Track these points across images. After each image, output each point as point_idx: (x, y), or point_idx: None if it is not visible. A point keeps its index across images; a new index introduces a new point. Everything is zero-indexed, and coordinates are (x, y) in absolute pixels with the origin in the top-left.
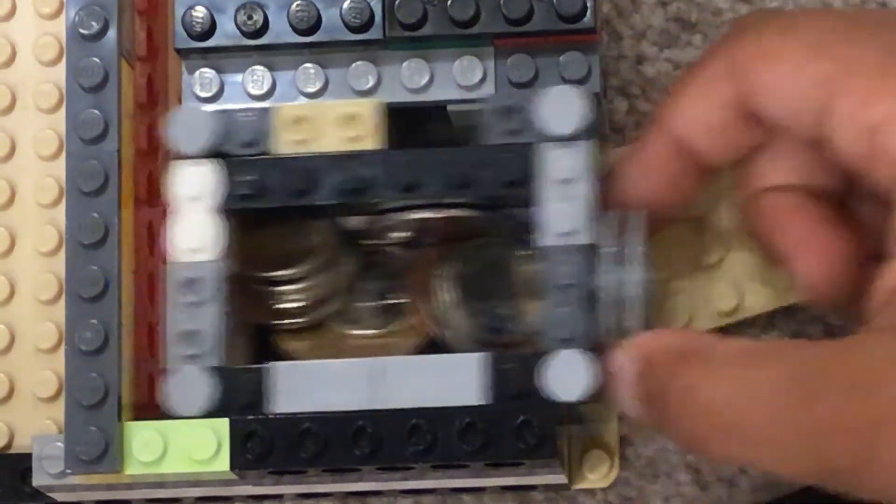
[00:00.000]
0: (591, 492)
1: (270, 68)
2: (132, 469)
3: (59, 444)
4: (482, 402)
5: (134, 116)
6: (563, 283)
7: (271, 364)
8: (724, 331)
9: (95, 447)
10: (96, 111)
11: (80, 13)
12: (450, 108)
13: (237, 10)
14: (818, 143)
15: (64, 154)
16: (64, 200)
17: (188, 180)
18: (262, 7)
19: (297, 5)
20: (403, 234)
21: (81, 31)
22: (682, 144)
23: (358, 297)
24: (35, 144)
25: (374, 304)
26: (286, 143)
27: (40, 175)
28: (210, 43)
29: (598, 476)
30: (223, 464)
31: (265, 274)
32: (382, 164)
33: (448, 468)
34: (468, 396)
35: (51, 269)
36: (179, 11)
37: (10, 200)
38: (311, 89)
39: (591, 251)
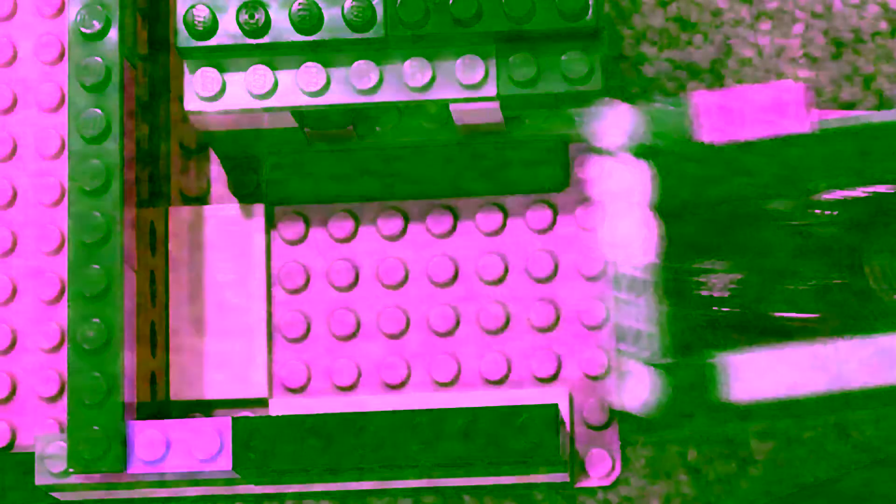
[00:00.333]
0: (591, 491)
1: (272, 67)
2: (134, 468)
3: (62, 443)
4: None
5: (136, 115)
6: None
7: (721, 355)
8: None
9: (98, 446)
10: (98, 110)
11: (82, 12)
12: (452, 107)
13: (239, 10)
14: None
15: (66, 153)
16: (66, 200)
17: (620, 177)
18: (263, 6)
19: (299, 4)
20: (833, 213)
21: (83, 30)
22: None
23: (791, 280)
24: (37, 144)
25: (807, 285)
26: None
27: (42, 174)
28: (212, 42)
29: (600, 474)
30: (225, 463)
31: (695, 265)
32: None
33: (449, 467)
34: None
35: (53, 268)
36: (181, 10)
37: (12, 200)
38: (312, 88)
39: None
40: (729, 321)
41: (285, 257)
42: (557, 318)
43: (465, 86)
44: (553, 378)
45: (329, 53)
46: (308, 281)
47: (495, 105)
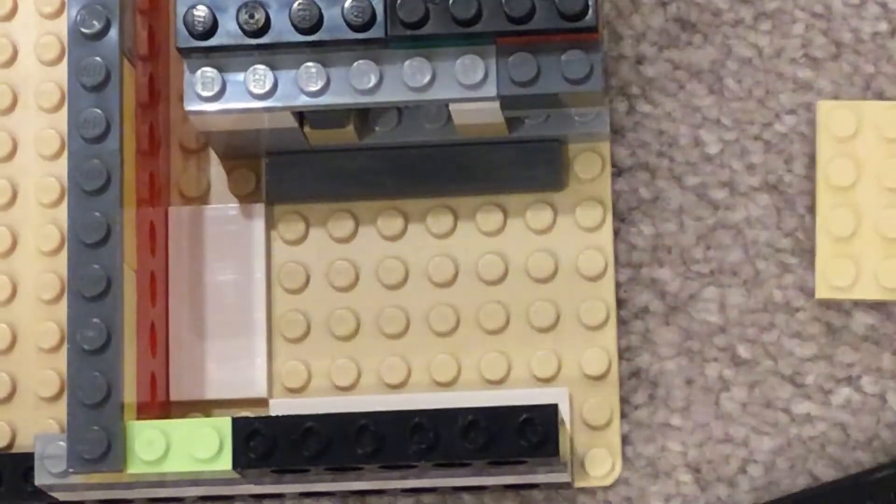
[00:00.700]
0: (591, 491)
1: (272, 67)
2: (134, 468)
3: (62, 443)
4: None
5: (136, 115)
6: None
7: None
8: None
9: (98, 446)
10: (98, 110)
11: (82, 12)
12: (452, 106)
13: (239, 9)
14: None
15: (66, 153)
16: (66, 200)
17: None
18: (263, 6)
19: (299, 4)
20: None
21: (83, 30)
22: None
23: None
24: (37, 144)
25: None
26: None
27: (42, 174)
28: (212, 42)
29: (600, 475)
30: (225, 463)
31: None
32: None
33: (450, 467)
34: None
35: (52, 268)
36: (181, 10)
37: (12, 200)
38: (312, 88)
39: None
40: None
41: (285, 257)
42: (557, 318)
43: (465, 86)
44: (553, 378)
45: (329, 53)
46: (308, 281)
47: (495, 105)
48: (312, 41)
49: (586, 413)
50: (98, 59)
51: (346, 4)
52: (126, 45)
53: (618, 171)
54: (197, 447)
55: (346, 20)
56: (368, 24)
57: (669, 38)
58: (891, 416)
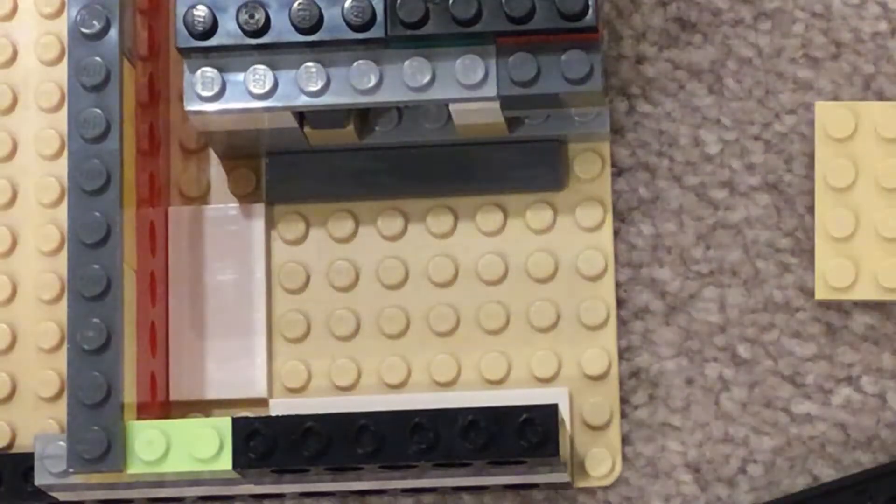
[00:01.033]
0: (591, 491)
1: (272, 67)
2: (134, 468)
3: (61, 443)
4: None
5: (136, 115)
6: None
7: None
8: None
9: (98, 446)
10: (98, 110)
11: (82, 12)
12: (452, 106)
13: (239, 10)
14: None
15: (65, 153)
16: (66, 200)
17: None
18: (263, 6)
19: (299, 4)
20: None
21: (83, 30)
22: None
23: None
24: (37, 144)
25: None
26: None
27: (42, 174)
28: (212, 42)
29: (600, 475)
30: (225, 463)
31: None
32: None
33: (450, 467)
34: None
35: (52, 268)
36: (181, 10)
37: (12, 200)
38: (312, 88)
39: None
40: None
41: (285, 257)
42: (557, 318)
43: (465, 86)
44: (553, 378)
45: (329, 53)
46: (308, 281)
47: (495, 105)
48: (312, 41)
49: (586, 413)
50: (98, 59)
51: (346, 4)
52: (126, 45)
53: (618, 171)
54: (197, 447)
55: (346, 20)
56: (368, 24)
57: (669, 37)
58: (891, 416)
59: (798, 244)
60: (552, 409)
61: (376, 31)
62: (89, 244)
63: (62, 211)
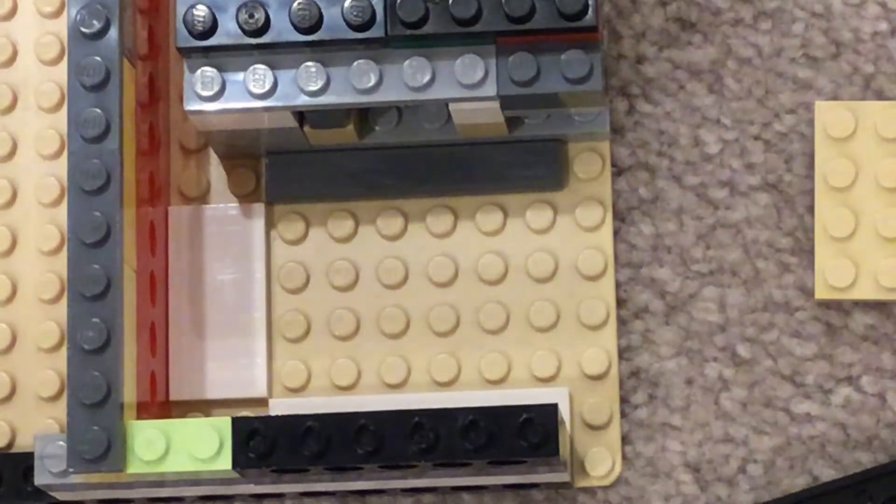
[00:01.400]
0: (591, 491)
1: (272, 67)
2: (134, 468)
3: (61, 442)
4: None
5: (136, 115)
6: None
7: None
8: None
9: (98, 446)
10: (98, 110)
11: (82, 12)
12: (452, 106)
13: (238, 9)
14: None
15: (65, 153)
16: (65, 199)
17: None
18: (263, 6)
19: (299, 4)
20: None
21: (83, 29)
22: None
23: None
24: (36, 143)
25: None
26: None
27: (42, 174)
28: (211, 42)
29: (600, 474)
30: (225, 462)
31: None
32: None
33: (450, 467)
34: None
35: (52, 268)
36: (181, 10)
37: (12, 200)
38: (312, 88)
39: None
40: None
41: (285, 257)
42: (557, 318)
43: (465, 86)
44: (553, 378)
45: (329, 53)
46: (308, 281)
47: (495, 105)
48: (312, 41)
49: (586, 413)
50: (98, 59)
51: (346, 4)
52: (126, 45)
53: (618, 171)
54: (197, 447)
55: (346, 20)
56: (368, 23)
57: (669, 37)
58: (891, 416)
59: (798, 244)
60: (552, 409)
61: (376, 31)
62: (89, 244)
63: (62, 211)
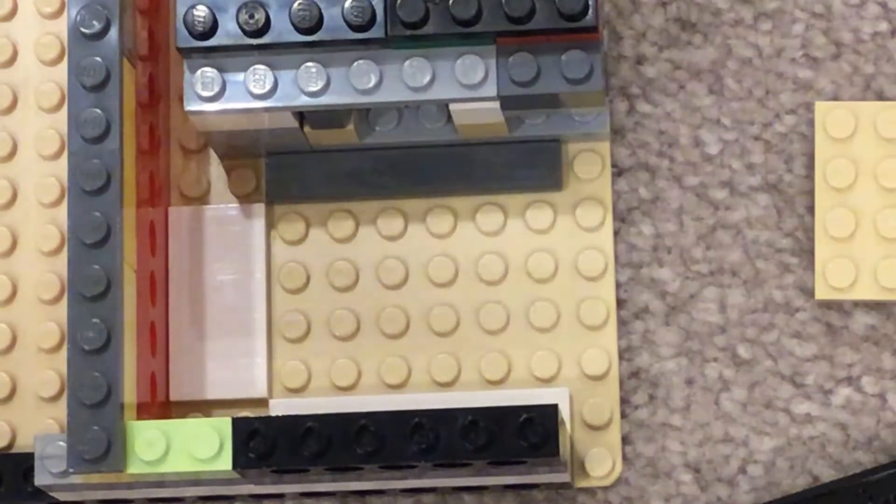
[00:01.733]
0: (591, 491)
1: (272, 67)
2: (135, 468)
3: (61, 443)
4: None
5: (136, 115)
6: None
7: None
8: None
9: (98, 446)
10: (98, 110)
11: (82, 12)
12: (452, 106)
13: (239, 10)
14: None
15: (66, 153)
16: (66, 200)
17: None
18: (263, 6)
19: (299, 4)
20: None
21: (83, 30)
22: None
23: None
24: (37, 144)
25: None
26: None
27: (42, 174)
28: (212, 42)
29: (600, 475)
30: (226, 463)
31: None
32: None
33: (450, 467)
34: None
35: (53, 268)
36: (181, 10)
37: (12, 200)
38: (312, 88)
39: None
40: None
41: (285, 257)
42: (557, 318)
43: (465, 86)
44: (553, 378)
45: (329, 53)
46: (308, 281)
47: (495, 105)
48: (312, 41)
49: (586, 413)
50: (98, 59)
51: (346, 4)
52: (126, 45)
53: (618, 171)
54: (197, 447)
55: (346, 20)
56: (368, 24)
57: (669, 38)
58: (891, 416)
59: (798, 244)
60: (552, 409)
61: (376, 31)
62: (89, 244)
63: (62, 211)
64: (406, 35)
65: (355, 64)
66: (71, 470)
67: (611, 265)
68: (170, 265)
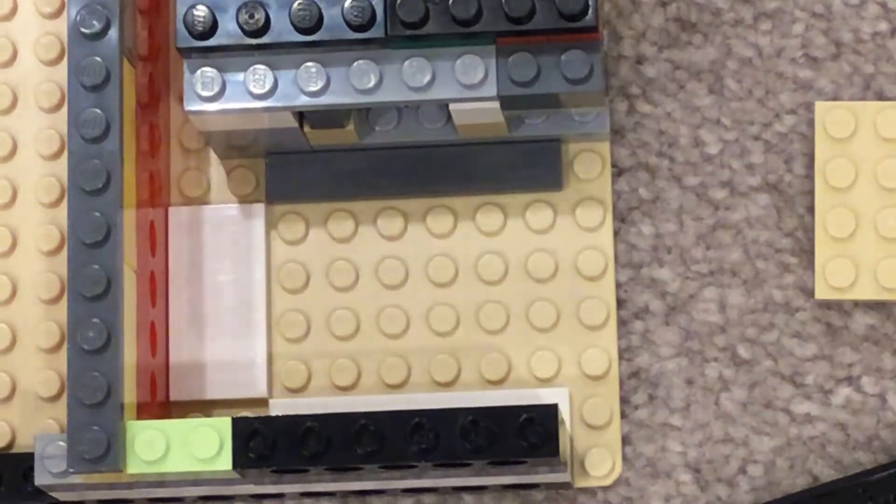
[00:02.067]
0: (591, 491)
1: (272, 67)
2: (134, 468)
3: (61, 443)
4: None
5: (136, 115)
6: None
7: None
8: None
9: (98, 446)
10: (98, 110)
11: (82, 12)
12: (452, 106)
13: (239, 9)
14: None
15: (65, 153)
16: (66, 200)
17: None
18: (263, 6)
19: (299, 4)
20: None
21: (83, 30)
22: None
23: None
24: (36, 144)
25: None
26: None
27: (42, 174)
28: (211, 42)
29: (600, 475)
30: (225, 463)
31: None
32: None
33: (450, 467)
34: None
35: (52, 268)
36: (181, 10)
37: (12, 200)
38: (312, 88)
39: None
40: None
41: (285, 257)
42: (557, 318)
43: (465, 86)
44: (553, 378)
45: (329, 53)
46: (308, 281)
47: (495, 105)
48: (312, 41)
49: (586, 413)
50: (98, 59)
51: (346, 4)
52: (126, 45)
53: (618, 171)
54: (197, 447)
55: (346, 20)
56: (368, 24)
57: (669, 38)
58: (891, 416)
59: (798, 244)
60: (552, 409)
61: (376, 31)
62: (89, 244)
63: (62, 211)
64: (406, 35)
65: (355, 64)
66: (71, 470)
67: (611, 265)
68: (170, 265)
